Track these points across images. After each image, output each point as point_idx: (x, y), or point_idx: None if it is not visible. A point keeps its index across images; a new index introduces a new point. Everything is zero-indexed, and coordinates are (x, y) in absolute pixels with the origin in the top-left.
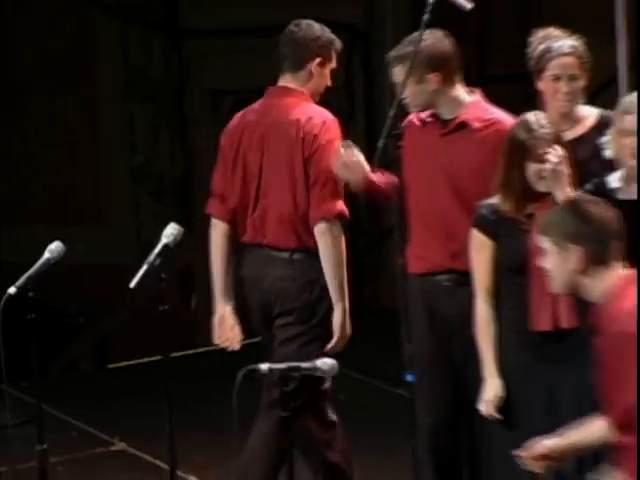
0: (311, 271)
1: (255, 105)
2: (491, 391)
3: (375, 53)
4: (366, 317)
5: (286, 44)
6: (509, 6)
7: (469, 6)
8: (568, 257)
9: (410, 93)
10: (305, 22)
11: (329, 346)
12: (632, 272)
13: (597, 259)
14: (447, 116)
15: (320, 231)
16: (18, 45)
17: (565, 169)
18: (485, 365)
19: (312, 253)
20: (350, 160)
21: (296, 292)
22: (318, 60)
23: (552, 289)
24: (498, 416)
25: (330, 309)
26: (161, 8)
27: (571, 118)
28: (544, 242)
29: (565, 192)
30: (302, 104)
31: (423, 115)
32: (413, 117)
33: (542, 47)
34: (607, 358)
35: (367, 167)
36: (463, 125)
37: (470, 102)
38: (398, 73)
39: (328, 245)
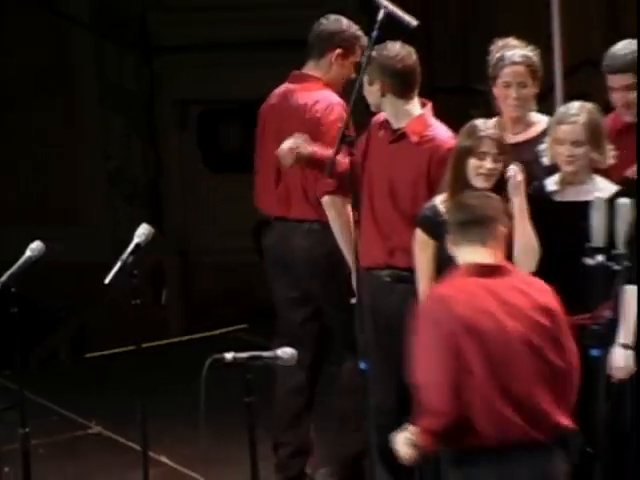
0: (326, 242)
1: (279, 88)
2: None
3: None
4: None
5: (313, 34)
6: (451, 23)
7: (414, 23)
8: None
9: (365, 91)
10: (334, 16)
11: (352, 301)
12: (482, 265)
13: (459, 240)
14: (395, 125)
15: (326, 204)
16: (5, 58)
17: (523, 180)
18: None
19: (327, 224)
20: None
21: (315, 263)
22: (339, 51)
23: None
24: None
25: (349, 273)
26: (133, 27)
27: (522, 123)
28: None
29: (521, 201)
30: (314, 89)
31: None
32: (381, 116)
33: (497, 55)
34: (415, 329)
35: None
36: (404, 136)
37: (416, 116)
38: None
39: (334, 217)
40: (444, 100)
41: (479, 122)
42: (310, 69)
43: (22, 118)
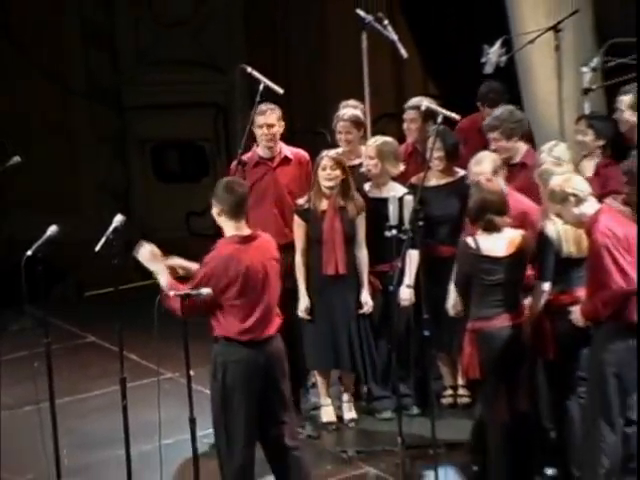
0: None
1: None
2: (303, 304)
3: (230, 119)
4: None
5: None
6: (304, 84)
7: (281, 91)
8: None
9: None
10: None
11: None
12: (242, 235)
13: (228, 215)
14: (266, 156)
15: None
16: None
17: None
18: (300, 289)
19: None
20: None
21: None
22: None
23: None
24: (308, 317)
25: None
26: (112, 95)
27: (354, 153)
28: None
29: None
30: None
31: (253, 156)
32: (251, 155)
33: (338, 113)
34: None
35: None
36: (286, 159)
37: (280, 146)
38: None
39: None
40: (301, 138)
41: (330, 152)
42: None
43: (44, 152)
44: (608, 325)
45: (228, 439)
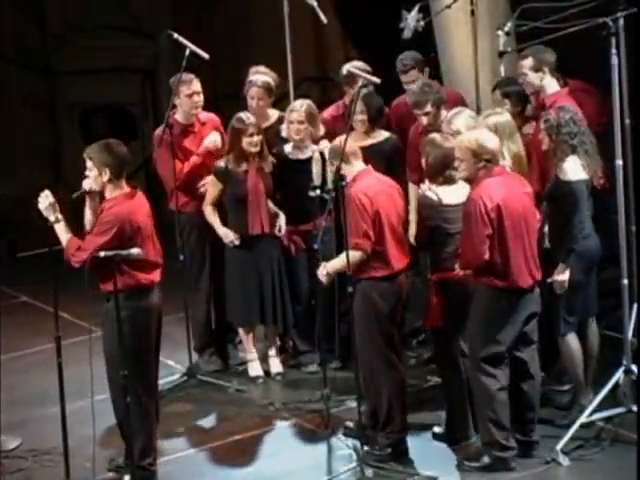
0: None
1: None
2: (229, 234)
3: (157, 84)
4: None
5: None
6: (228, 47)
7: (206, 56)
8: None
9: None
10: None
11: None
12: (131, 191)
13: (114, 176)
14: (189, 123)
15: None
16: None
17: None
18: (217, 227)
19: None
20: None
21: None
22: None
23: None
24: (237, 241)
25: None
26: (41, 60)
27: (264, 117)
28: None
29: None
30: None
31: (177, 127)
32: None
33: (249, 78)
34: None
35: None
36: (203, 123)
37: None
38: None
39: None
40: (225, 103)
41: (243, 115)
42: None
43: None
44: (479, 286)
45: (145, 384)
